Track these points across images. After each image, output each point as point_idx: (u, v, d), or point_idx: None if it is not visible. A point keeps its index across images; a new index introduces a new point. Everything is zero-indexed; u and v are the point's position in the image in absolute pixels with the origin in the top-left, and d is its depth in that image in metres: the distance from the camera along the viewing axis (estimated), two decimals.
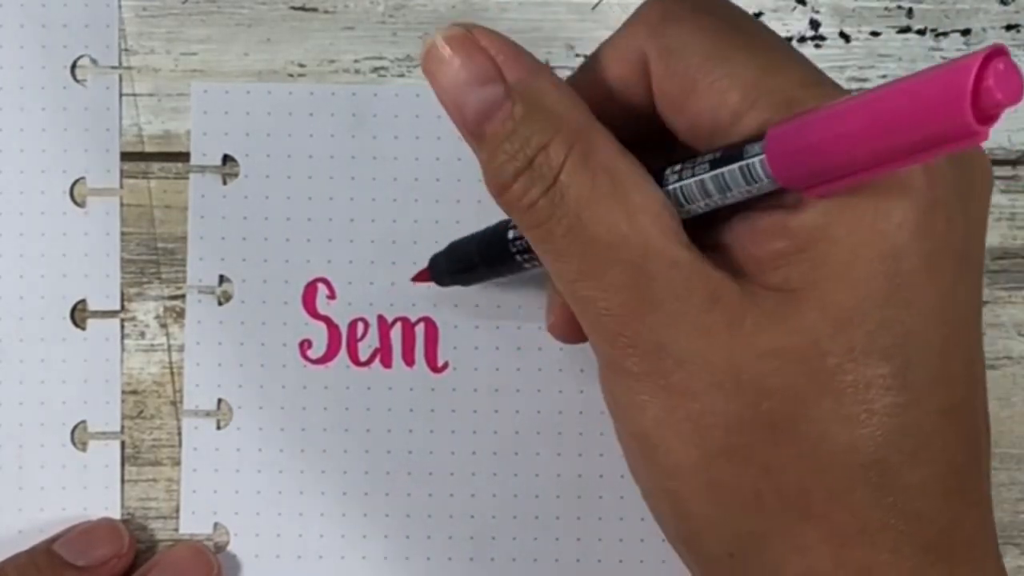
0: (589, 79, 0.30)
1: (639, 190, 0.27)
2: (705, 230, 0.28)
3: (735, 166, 0.26)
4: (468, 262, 0.36)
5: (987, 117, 0.22)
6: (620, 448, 0.30)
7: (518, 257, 0.34)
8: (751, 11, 0.41)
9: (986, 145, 0.40)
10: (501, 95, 0.28)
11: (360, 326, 0.39)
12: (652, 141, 0.29)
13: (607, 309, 0.28)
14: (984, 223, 0.29)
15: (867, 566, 0.26)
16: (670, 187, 0.28)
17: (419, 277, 0.38)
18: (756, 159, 0.26)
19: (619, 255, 0.27)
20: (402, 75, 0.40)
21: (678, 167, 0.28)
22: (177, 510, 0.39)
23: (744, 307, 0.27)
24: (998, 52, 0.22)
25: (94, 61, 0.40)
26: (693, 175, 0.27)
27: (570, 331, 0.35)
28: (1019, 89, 0.22)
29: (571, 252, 0.28)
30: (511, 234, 0.34)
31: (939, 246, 0.26)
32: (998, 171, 0.41)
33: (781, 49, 0.28)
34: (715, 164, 0.27)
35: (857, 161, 0.24)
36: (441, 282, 0.38)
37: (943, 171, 0.26)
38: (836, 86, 0.28)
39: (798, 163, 0.25)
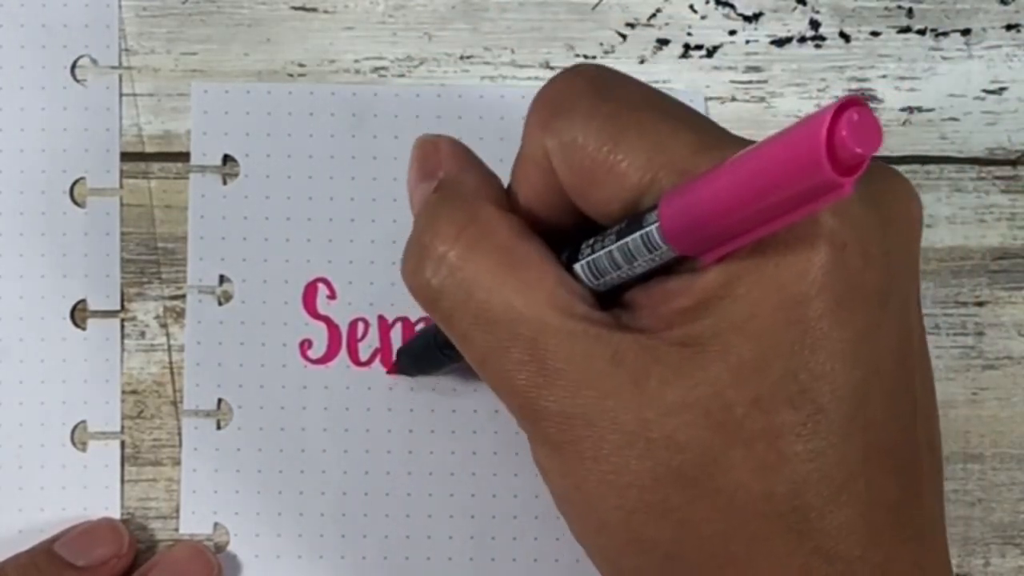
0: (519, 182, 0.31)
1: (533, 268, 0.28)
2: (624, 291, 0.29)
3: (636, 235, 0.27)
4: (412, 361, 0.38)
5: (849, 168, 0.22)
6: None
7: (441, 353, 0.35)
8: (751, 12, 0.41)
9: (987, 145, 0.40)
10: (432, 188, 0.31)
11: (360, 326, 0.39)
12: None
13: (513, 387, 0.28)
14: (912, 253, 0.28)
15: None
16: (584, 260, 0.29)
17: (391, 371, 0.39)
18: (653, 227, 0.26)
19: (517, 332, 0.28)
20: (402, 75, 0.40)
21: (592, 240, 0.29)
22: (177, 510, 0.39)
23: (648, 364, 0.27)
24: (851, 103, 0.22)
25: (94, 61, 0.40)
26: (603, 247, 0.28)
27: None
28: (877, 137, 0.22)
29: (473, 334, 0.29)
30: (435, 336, 0.35)
31: (852, 287, 0.26)
32: (998, 171, 0.41)
33: (673, 118, 0.28)
34: (620, 235, 0.27)
35: (741, 223, 0.25)
36: (408, 373, 0.39)
37: (854, 210, 0.26)
38: (734, 142, 0.27)
39: (689, 228, 0.26)
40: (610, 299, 0.29)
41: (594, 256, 0.28)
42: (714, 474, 0.26)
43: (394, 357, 0.39)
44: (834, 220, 0.26)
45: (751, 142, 0.27)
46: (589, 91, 0.28)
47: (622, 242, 0.27)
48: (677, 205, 0.26)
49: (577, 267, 0.29)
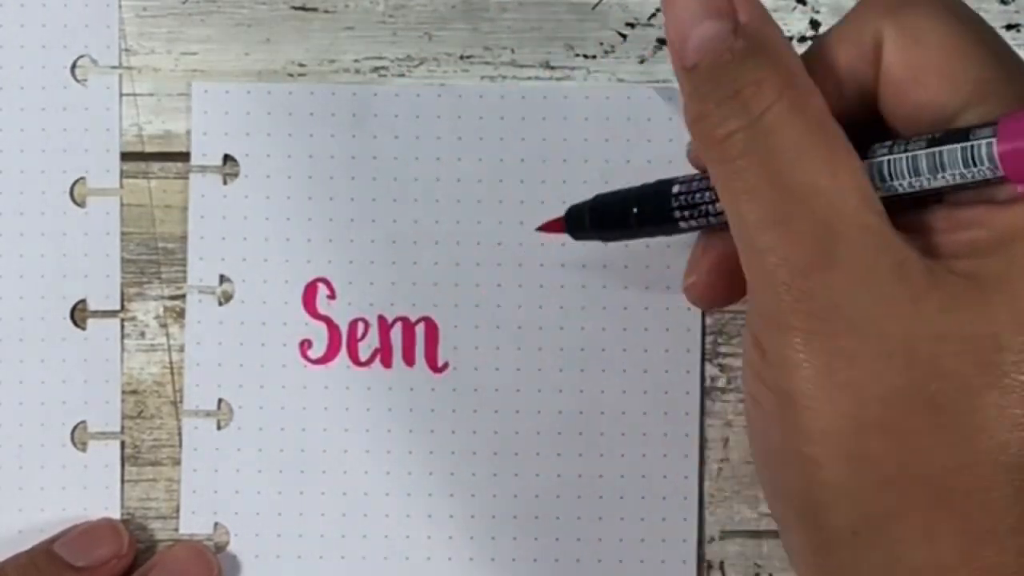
0: (814, 58, 0.29)
1: (844, 150, 0.27)
2: (899, 212, 0.28)
3: (957, 146, 0.26)
4: (619, 215, 0.35)
5: None
6: (745, 412, 0.30)
7: (677, 214, 0.33)
8: None
9: None
10: (727, 30, 0.28)
11: (360, 326, 0.39)
12: (863, 131, 0.29)
13: (786, 259, 0.27)
14: None
15: (993, 566, 0.26)
16: (877, 159, 0.28)
17: (549, 227, 0.37)
18: (984, 142, 0.26)
19: (812, 207, 0.27)
20: (402, 75, 0.40)
21: (889, 143, 0.28)
22: (177, 510, 0.39)
23: (930, 286, 0.26)
24: None
25: (94, 61, 0.40)
26: (906, 151, 0.27)
27: (712, 293, 0.34)
28: None
29: (761, 195, 0.27)
30: (676, 189, 0.33)
31: None
32: None
33: (1013, 53, 0.28)
34: (933, 143, 0.27)
35: None
36: (576, 235, 0.37)
37: None
38: None
39: None
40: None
41: (892, 156, 0.27)
42: (965, 411, 0.26)
43: (567, 215, 0.37)
44: None
45: None
46: None
47: (935, 150, 0.27)
48: (1020, 128, 0.25)
49: (865, 164, 0.28)
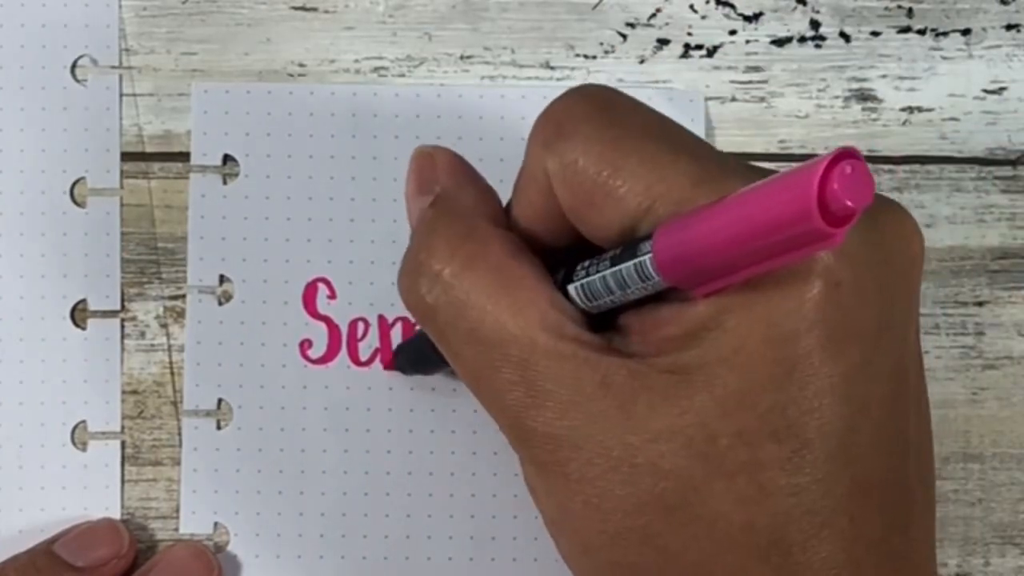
0: (519, 199, 0.31)
1: (526, 288, 0.28)
2: (618, 314, 0.29)
3: (630, 263, 0.27)
4: (409, 360, 0.38)
5: (840, 219, 0.22)
6: None
7: (436, 356, 0.34)
8: (751, 12, 0.41)
9: (987, 145, 0.40)
10: (427, 203, 0.31)
11: (360, 326, 0.39)
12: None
13: (503, 406, 0.28)
14: (911, 290, 0.28)
15: None
16: (578, 282, 0.29)
17: (388, 366, 0.39)
18: (646, 257, 0.26)
19: (507, 352, 0.28)
20: (402, 75, 0.40)
21: (587, 263, 0.29)
22: (177, 510, 0.39)
23: (636, 390, 0.27)
24: (844, 155, 0.22)
25: (94, 61, 0.40)
26: (597, 271, 0.28)
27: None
28: (869, 190, 0.22)
29: (465, 352, 0.29)
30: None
31: (844, 324, 0.26)
32: (998, 171, 0.41)
33: (675, 148, 0.28)
34: (614, 261, 0.28)
35: (732, 261, 0.25)
36: (404, 371, 0.39)
37: (851, 247, 0.26)
38: (736, 174, 0.27)
39: (681, 262, 0.26)
40: (603, 322, 0.29)
41: (588, 279, 0.28)
42: (695, 503, 0.27)
43: (392, 353, 0.39)
44: (830, 257, 0.26)
45: (757, 170, 0.28)
46: (593, 114, 0.28)
47: (616, 268, 0.27)
48: (671, 238, 0.26)
49: (571, 288, 0.29)
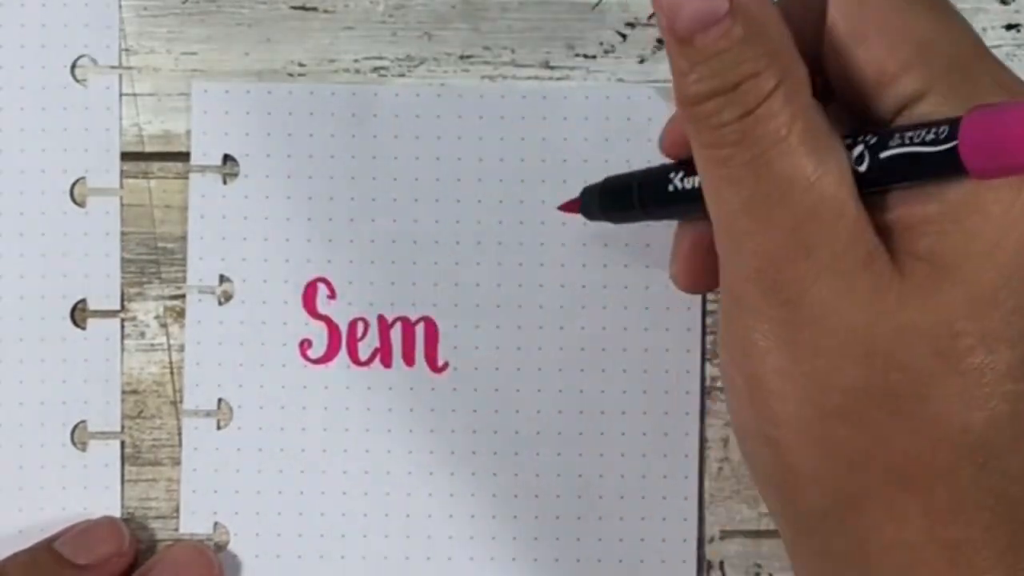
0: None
1: (830, 140, 0.27)
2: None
3: (931, 149, 0.26)
4: (623, 198, 0.36)
5: None
6: (727, 388, 0.30)
7: (676, 195, 0.33)
8: None
9: None
10: (724, 10, 0.27)
11: (360, 326, 0.39)
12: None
13: (762, 247, 0.27)
14: None
15: (959, 541, 0.27)
16: (864, 150, 0.28)
17: (568, 207, 0.38)
18: (950, 145, 0.26)
19: (795, 197, 0.27)
20: (402, 75, 0.40)
21: (867, 137, 0.28)
22: (177, 510, 0.39)
23: (892, 277, 0.27)
24: None
25: (94, 61, 0.40)
26: (887, 148, 0.27)
27: (695, 278, 0.35)
28: None
29: (745, 182, 0.27)
30: (674, 174, 0.33)
31: None
32: None
33: (955, 12, 0.28)
34: (910, 141, 0.27)
35: None
36: (590, 215, 0.37)
37: None
38: (1002, 64, 0.28)
39: (991, 158, 0.25)
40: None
41: (881, 154, 0.27)
42: (923, 399, 0.27)
43: (582, 195, 0.38)
44: None
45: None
46: None
47: (913, 150, 0.27)
48: (980, 126, 0.25)
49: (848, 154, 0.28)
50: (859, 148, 0.28)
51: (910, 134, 0.27)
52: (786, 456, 0.28)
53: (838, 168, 0.27)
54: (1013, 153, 0.25)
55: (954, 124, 0.26)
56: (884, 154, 0.27)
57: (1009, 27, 0.41)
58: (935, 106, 0.27)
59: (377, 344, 0.39)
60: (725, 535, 0.39)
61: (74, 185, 0.40)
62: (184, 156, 0.40)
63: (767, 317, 0.28)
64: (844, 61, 0.28)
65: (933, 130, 0.26)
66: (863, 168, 0.28)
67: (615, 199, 0.36)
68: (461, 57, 0.40)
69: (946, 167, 0.26)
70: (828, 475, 0.28)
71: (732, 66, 0.27)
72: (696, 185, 0.32)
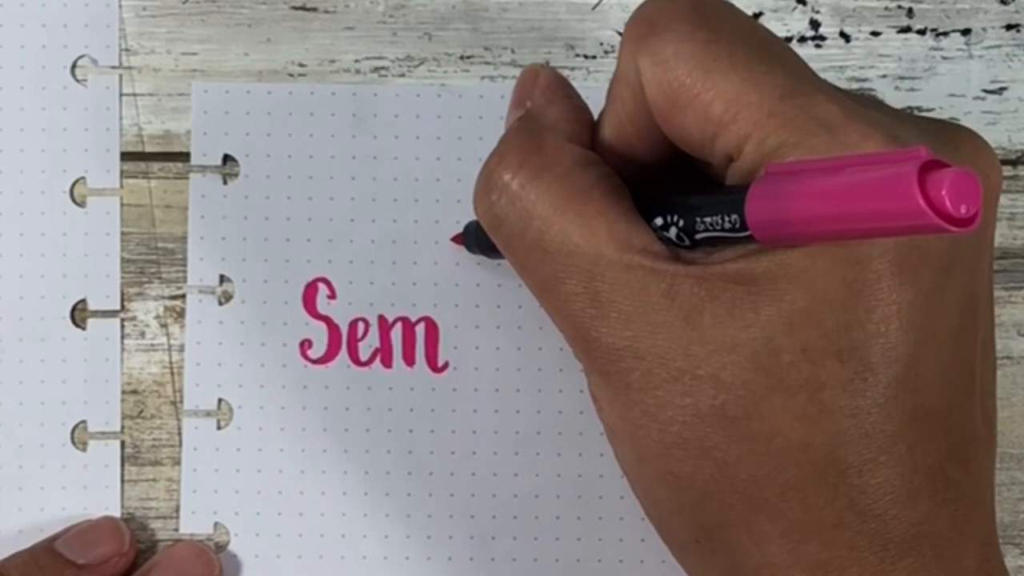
0: (611, 104, 0.31)
1: (594, 200, 0.28)
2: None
3: (720, 217, 0.27)
4: (477, 241, 0.37)
5: (957, 220, 0.22)
6: None
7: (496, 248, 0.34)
8: (751, 12, 0.41)
9: None
10: (517, 117, 0.31)
11: (360, 326, 0.39)
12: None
13: (567, 316, 0.29)
14: (987, 222, 0.29)
15: (823, 561, 0.27)
16: (661, 223, 0.29)
17: (456, 239, 0.39)
18: (736, 216, 0.26)
19: (571, 263, 0.28)
20: (402, 75, 0.40)
21: (675, 219, 0.29)
22: (177, 510, 0.39)
23: (701, 300, 0.27)
24: (936, 163, 0.22)
25: (94, 61, 0.40)
26: (694, 231, 0.28)
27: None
28: (976, 193, 0.21)
29: (530, 262, 0.29)
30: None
31: (916, 252, 0.26)
32: None
33: (767, 58, 0.28)
34: (704, 211, 0.28)
35: (826, 234, 0.25)
36: (470, 249, 0.39)
37: None
38: (822, 92, 0.27)
39: (776, 227, 0.26)
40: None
41: (676, 224, 0.28)
42: (755, 417, 0.27)
43: (463, 231, 0.39)
44: None
45: (844, 93, 0.28)
46: (688, 14, 0.28)
47: (705, 219, 0.27)
48: (764, 201, 0.25)
49: (655, 222, 0.29)
50: (673, 231, 0.29)
51: (709, 220, 0.27)
52: (649, 492, 0.30)
53: (608, 225, 0.28)
54: (795, 229, 0.25)
55: (742, 209, 0.26)
56: (698, 236, 0.28)
57: (1009, 27, 0.41)
58: (756, 146, 0.27)
59: (377, 344, 0.39)
60: None
61: (74, 185, 0.40)
62: (184, 156, 0.40)
63: (601, 373, 0.29)
64: (670, 129, 0.29)
65: (728, 218, 0.27)
66: (686, 244, 0.28)
67: (481, 237, 0.37)
68: (461, 57, 0.40)
69: (751, 240, 0.27)
70: (686, 507, 0.28)
71: (496, 152, 0.30)
72: None
